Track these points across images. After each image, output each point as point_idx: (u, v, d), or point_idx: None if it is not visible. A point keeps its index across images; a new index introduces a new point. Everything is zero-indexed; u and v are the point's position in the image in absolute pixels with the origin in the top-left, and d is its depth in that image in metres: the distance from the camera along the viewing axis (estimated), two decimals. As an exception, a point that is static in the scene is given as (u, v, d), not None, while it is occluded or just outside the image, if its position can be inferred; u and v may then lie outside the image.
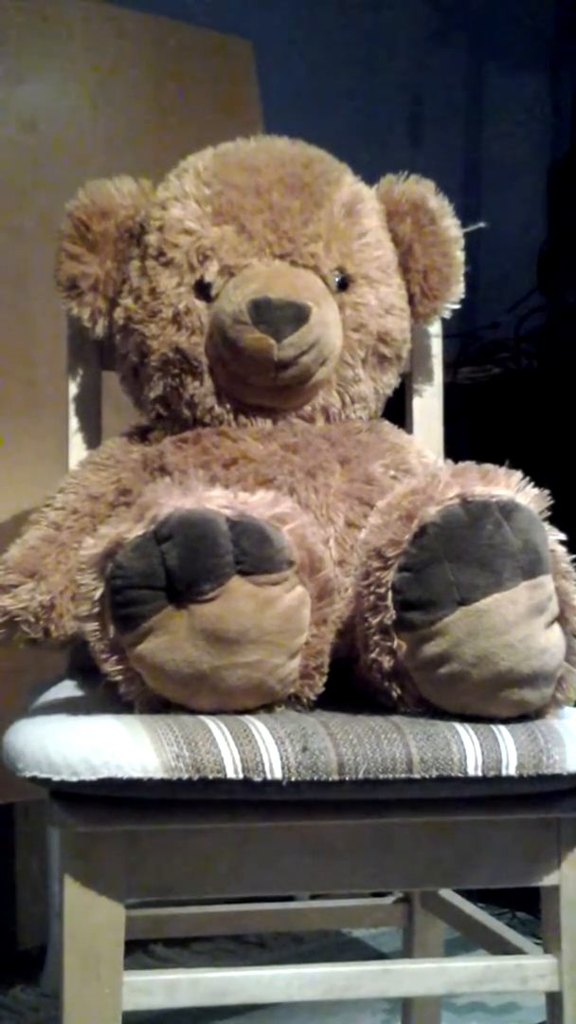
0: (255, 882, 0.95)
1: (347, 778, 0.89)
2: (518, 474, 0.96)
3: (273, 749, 0.88)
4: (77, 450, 1.25)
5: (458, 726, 0.92)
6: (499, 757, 0.91)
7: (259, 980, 0.93)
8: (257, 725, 0.90)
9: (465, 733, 0.92)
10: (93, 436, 1.26)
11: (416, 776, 0.90)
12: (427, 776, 0.90)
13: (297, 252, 1.13)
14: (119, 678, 0.92)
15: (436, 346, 1.31)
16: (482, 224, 1.45)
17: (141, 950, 1.72)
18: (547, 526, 0.95)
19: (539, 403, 2.01)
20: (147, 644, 0.90)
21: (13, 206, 1.62)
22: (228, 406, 1.13)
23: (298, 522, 0.94)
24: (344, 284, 1.16)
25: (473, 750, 0.91)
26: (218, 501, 0.91)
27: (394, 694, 0.95)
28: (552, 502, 0.96)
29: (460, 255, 1.23)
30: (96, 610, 0.91)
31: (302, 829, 0.94)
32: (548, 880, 0.98)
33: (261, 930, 1.69)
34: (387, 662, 0.94)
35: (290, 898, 1.47)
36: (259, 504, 0.93)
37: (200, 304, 1.13)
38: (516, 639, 0.91)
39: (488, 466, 0.97)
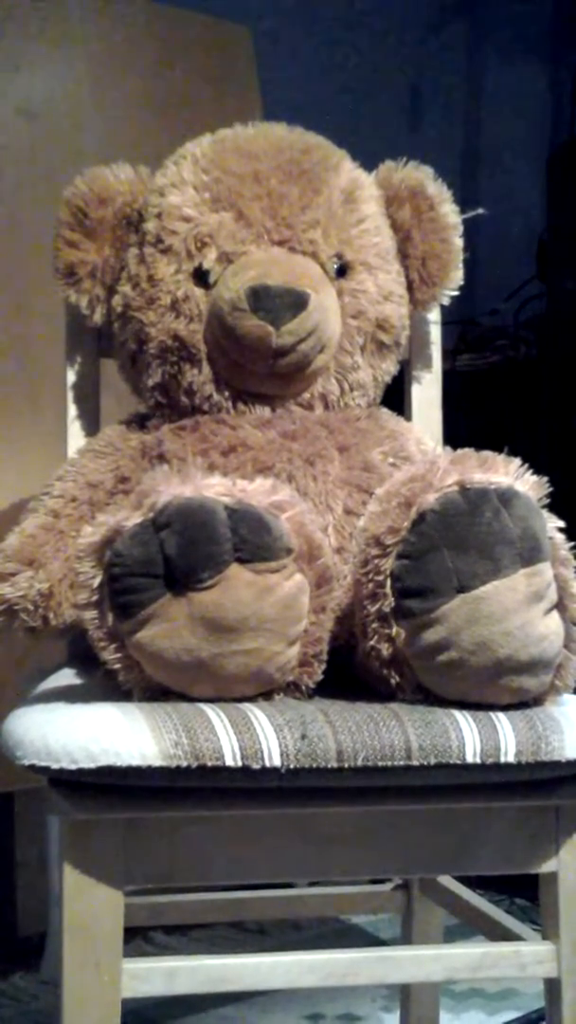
0: (254, 869, 0.95)
1: (346, 765, 0.89)
2: (517, 461, 0.96)
3: (272, 737, 0.88)
4: (75, 438, 1.25)
5: (456, 713, 0.92)
6: (497, 744, 0.91)
7: (258, 967, 0.93)
8: (256, 713, 0.90)
9: (463, 720, 0.92)
10: (91, 424, 1.25)
11: (415, 763, 0.90)
12: (426, 763, 0.90)
13: (295, 239, 1.13)
14: (118, 666, 0.92)
15: (435, 333, 1.31)
16: (481, 211, 1.44)
17: (140, 937, 1.73)
18: (546, 513, 0.95)
19: (538, 390, 2.01)
20: (146, 632, 0.90)
21: (11, 193, 1.62)
22: (226, 394, 1.13)
23: (296, 510, 0.94)
24: (343, 271, 1.15)
25: (471, 737, 0.91)
26: (216, 489, 0.91)
27: (393, 681, 0.95)
28: (551, 489, 0.96)
29: (459, 242, 1.22)
30: (95, 598, 0.91)
31: (301, 816, 0.94)
32: (546, 867, 0.98)
33: (260, 917, 1.69)
34: (386, 649, 0.94)
35: (289, 885, 1.47)
36: (257, 492, 0.93)
37: (198, 291, 1.13)
38: (515, 626, 0.91)
39: (487, 453, 0.97)
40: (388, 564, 0.93)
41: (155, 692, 0.92)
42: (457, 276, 1.23)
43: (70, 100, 1.69)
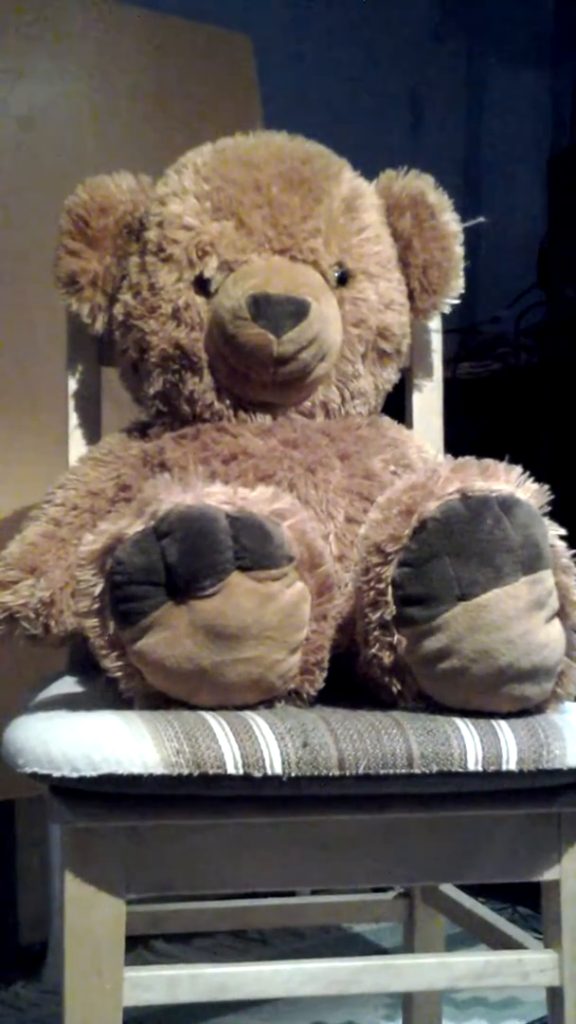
0: (256, 877, 0.95)
1: (347, 773, 0.89)
2: (518, 469, 0.96)
3: (273, 745, 0.88)
4: (77, 446, 1.25)
5: (458, 721, 0.92)
6: (499, 752, 0.91)
7: (260, 975, 0.93)
8: (257, 721, 0.90)
9: (465, 728, 0.92)
10: (93, 432, 1.26)
11: (416, 771, 0.90)
12: (427, 771, 0.90)
13: (296, 247, 1.13)
14: (119, 674, 0.92)
15: (436, 341, 1.31)
16: (482, 219, 1.45)
17: (142, 946, 1.72)
18: (547, 521, 0.95)
19: (539, 398, 2.01)
20: (147, 640, 0.90)
21: (12, 203, 1.62)
22: (228, 402, 1.13)
23: (298, 518, 0.94)
24: (343, 279, 1.16)
25: (473, 745, 0.91)
26: (218, 497, 0.91)
27: (394, 689, 0.95)
28: (552, 497, 0.96)
29: (460, 250, 1.23)
30: (96, 606, 0.91)
31: (302, 825, 0.94)
32: (549, 875, 0.98)
33: (262, 925, 1.69)
34: (387, 657, 0.94)
35: (291, 893, 1.47)
36: (259, 500, 0.93)
37: (199, 300, 1.13)
38: (516, 634, 0.90)
39: (488, 461, 0.97)
40: (389, 572, 0.93)
41: (156, 700, 0.92)
42: (458, 284, 1.23)
43: (71, 109, 1.70)
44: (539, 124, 2.59)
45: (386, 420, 1.20)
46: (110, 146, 1.70)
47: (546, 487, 0.96)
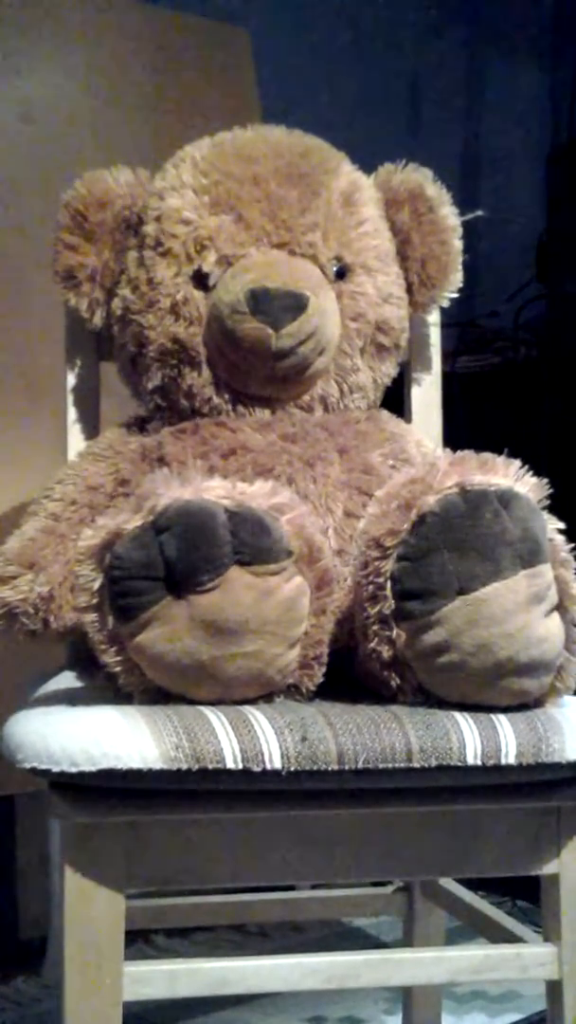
0: (255, 872, 0.95)
1: (346, 768, 0.89)
2: (517, 463, 0.96)
3: (272, 739, 0.88)
4: (76, 441, 1.25)
5: (457, 715, 0.92)
6: (498, 746, 0.91)
7: (259, 970, 0.93)
8: (256, 715, 0.90)
9: (464, 722, 0.92)
10: (91, 427, 1.26)
11: (415, 765, 0.90)
12: (426, 765, 0.90)
13: (295, 241, 1.13)
14: (118, 669, 0.92)
15: (435, 335, 1.31)
16: (480, 213, 1.45)
17: (142, 940, 1.72)
18: (546, 515, 0.95)
19: (538, 392, 2.01)
20: (146, 635, 0.90)
21: (10, 197, 1.62)
22: (226, 396, 1.13)
23: (297, 512, 0.94)
24: (342, 273, 1.16)
25: (472, 739, 0.91)
26: (216, 491, 0.91)
27: (393, 684, 0.95)
28: (551, 491, 0.96)
29: (458, 244, 1.23)
30: (95, 601, 0.91)
31: (302, 819, 0.94)
32: (548, 868, 0.98)
33: (262, 920, 1.69)
34: (386, 652, 0.94)
35: (290, 888, 1.47)
36: (257, 494, 0.93)
37: (198, 294, 1.13)
38: (515, 628, 0.91)
39: (487, 455, 0.97)
40: (388, 566, 0.93)
41: (155, 695, 0.92)
42: (456, 278, 1.23)
43: (70, 104, 1.70)
44: (538, 118, 2.58)
45: (385, 414, 1.20)
46: (108, 140, 1.70)
47: (545, 481, 0.96)
